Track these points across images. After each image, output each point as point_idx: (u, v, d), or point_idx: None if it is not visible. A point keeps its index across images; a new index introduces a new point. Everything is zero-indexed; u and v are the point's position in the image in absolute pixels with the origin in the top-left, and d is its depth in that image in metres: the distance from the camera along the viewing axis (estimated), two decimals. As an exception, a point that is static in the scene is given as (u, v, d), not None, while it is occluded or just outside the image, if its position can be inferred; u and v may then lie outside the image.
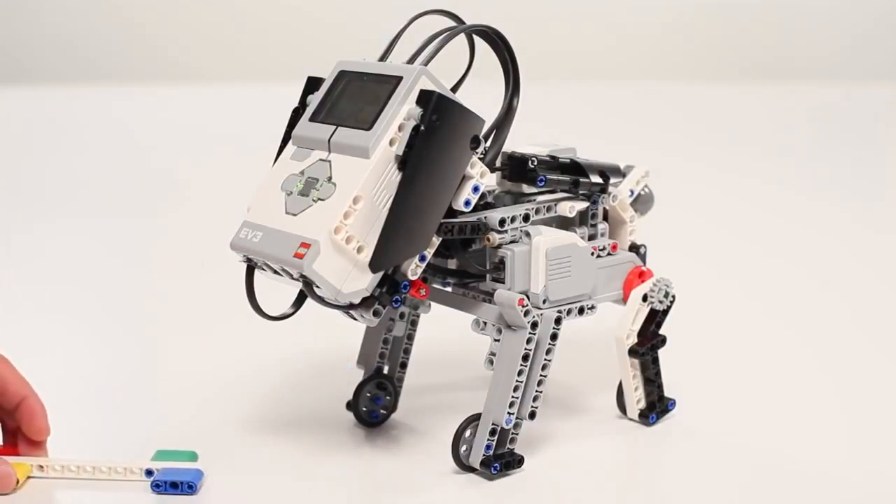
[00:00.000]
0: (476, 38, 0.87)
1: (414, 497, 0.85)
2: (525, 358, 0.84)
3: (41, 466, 0.86)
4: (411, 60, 0.83)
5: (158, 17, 3.96)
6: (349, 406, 0.97)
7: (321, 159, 0.83)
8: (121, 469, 0.86)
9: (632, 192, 0.95)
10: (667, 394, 0.97)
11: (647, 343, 0.94)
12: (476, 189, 0.82)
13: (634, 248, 0.95)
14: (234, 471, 0.88)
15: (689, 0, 3.83)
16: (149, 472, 0.85)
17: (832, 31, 3.77)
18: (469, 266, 0.87)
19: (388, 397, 0.98)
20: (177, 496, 0.83)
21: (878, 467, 0.89)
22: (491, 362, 0.86)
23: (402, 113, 0.80)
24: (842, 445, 0.93)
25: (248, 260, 0.84)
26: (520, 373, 0.84)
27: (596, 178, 0.91)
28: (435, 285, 0.91)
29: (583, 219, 0.92)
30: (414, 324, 0.99)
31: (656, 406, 0.96)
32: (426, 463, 0.89)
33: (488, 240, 0.86)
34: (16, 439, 0.88)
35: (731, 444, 0.92)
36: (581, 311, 0.88)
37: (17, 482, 0.84)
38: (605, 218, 0.93)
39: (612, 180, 0.92)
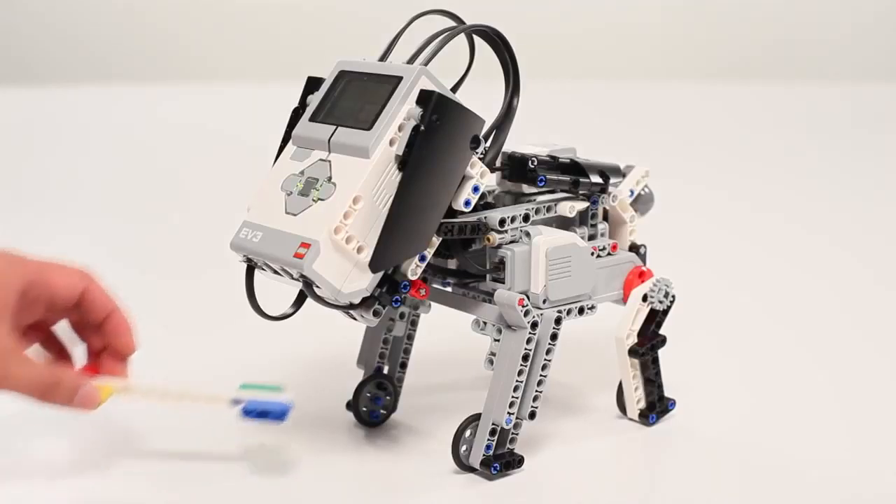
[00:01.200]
0: (476, 38, 0.87)
1: (414, 497, 0.85)
2: (525, 358, 0.84)
3: (125, 389, 0.84)
4: (411, 60, 0.83)
5: (159, 16, 3.96)
6: (349, 406, 0.97)
7: (321, 159, 0.83)
8: (206, 396, 0.84)
9: (632, 192, 0.95)
10: (667, 394, 0.97)
11: (647, 343, 0.94)
12: (476, 189, 0.82)
13: (634, 248, 0.95)
14: (234, 471, 0.88)
15: (689, 0, 3.83)
16: (236, 402, 0.84)
17: (832, 31, 3.77)
18: (469, 266, 0.87)
19: (388, 397, 0.98)
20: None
21: (879, 467, 0.89)
22: (491, 362, 0.86)
23: (402, 113, 0.80)
24: (842, 445, 0.93)
25: (248, 260, 0.84)
26: (520, 373, 0.84)
27: (596, 178, 0.91)
28: (435, 285, 0.91)
29: (583, 219, 0.92)
30: (414, 324, 0.99)
31: (656, 406, 0.96)
32: (426, 463, 0.89)
33: (488, 240, 0.86)
34: (99, 362, 0.86)
35: (730, 444, 0.92)
36: (581, 311, 0.88)
37: (101, 402, 0.83)
38: (605, 218, 0.93)
39: (612, 180, 0.92)
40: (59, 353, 0.87)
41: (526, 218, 0.87)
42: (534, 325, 0.84)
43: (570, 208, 0.90)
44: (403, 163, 0.79)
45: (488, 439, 0.85)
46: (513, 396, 0.84)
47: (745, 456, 0.90)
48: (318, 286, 0.79)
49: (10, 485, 0.86)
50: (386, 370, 0.99)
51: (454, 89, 0.85)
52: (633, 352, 0.94)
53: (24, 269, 0.82)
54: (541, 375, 0.85)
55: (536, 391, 0.85)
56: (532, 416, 0.86)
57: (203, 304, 1.37)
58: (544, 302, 0.86)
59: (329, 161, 0.82)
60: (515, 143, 0.90)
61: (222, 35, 3.93)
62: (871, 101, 3.24)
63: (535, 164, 0.88)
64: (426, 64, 0.82)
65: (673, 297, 0.94)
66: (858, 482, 0.86)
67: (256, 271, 0.85)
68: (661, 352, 0.95)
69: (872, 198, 2.03)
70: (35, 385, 0.79)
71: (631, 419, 0.96)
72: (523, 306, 0.83)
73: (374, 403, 0.97)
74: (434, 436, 0.94)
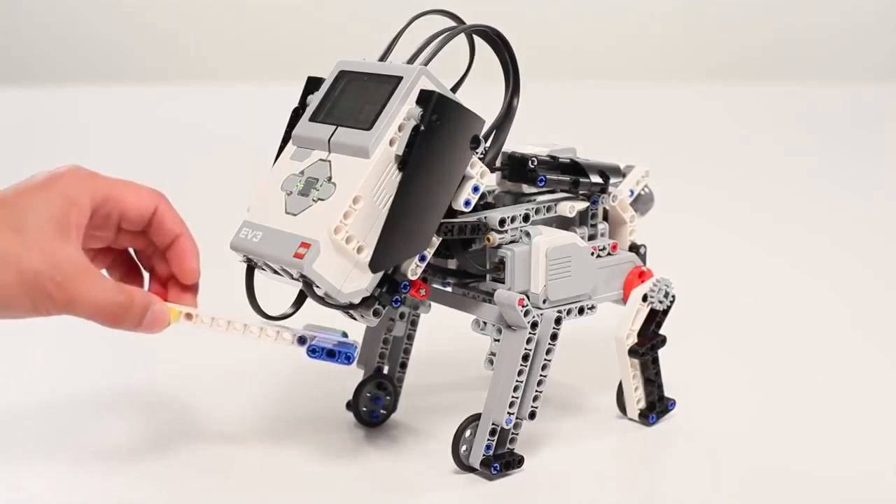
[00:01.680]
0: (476, 38, 0.87)
1: (414, 497, 0.85)
2: (525, 358, 0.84)
3: (189, 315, 0.83)
4: (411, 60, 0.83)
5: (159, 16, 3.97)
6: (349, 406, 0.97)
7: (321, 159, 0.83)
8: (272, 332, 0.83)
9: (632, 192, 0.95)
10: (667, 394, 0.97)
11: (647, 343, 0.94)
12: (476, 189, 0.82)
13: (634, 248, 0.95)
14: (234, 471, 0.88)
15: (689, 0, 3.83)
16: (301, 340, 0.83)
17: (832, 31, 3.77)
18: (469, 266, 0.87)
19: (388, 397, 0.98)
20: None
21: (879, 467, 0.89)
22: (491, 362, 0.86)
23: (402, 113, 0.80)
24: (842, 445, 0.93)
25: (248, 260, 0.84)
26: (520, 373, 0.84)
27: (596, 178, 0.91)
28: (435, 285, 0.91)
29: (583, 219, 0.92)
30: (414, 324, 0.99)
31: (656, 406, 0.96)
32: (426, 463, 0.89)
33: (488, 240, 0.86)
34: (166, 291, 0.85)
35: (731, 444, 0.92)
36: (581, 311, 0.88)
37: (170, 323, 0.82)
38: (605, 218, 0.93)
39: (612, 180, 0.92)
40: (127, 277, 0.86)
41: (526, 218, 0.87)
42: (534, 325, 0.84)
43: (570, 208, 0.90)
44: (403, 163, 0.79)
45: (488, 439, 0.85)
46: (513, 396, 0.84)
47: (745, 456, 0.90)
48: (317, 286, 0.79)
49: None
50: (386, 370, 0.99)
51: (454, 89, 0.85)
52: (633, 352, 0.94)
53: (96, 185, 0.80)
54: (541, 375, 0.85)
55: (536, 391, 0.85)
56: (532, 416, 0.86)
57: (203, 304, 1.37)
58: (544, 302, 0.86)
59: (329, 161, 0.82)
60: (515, 143, 0.90)
61: (222, 35, 3.93)
62: (871, 101, 3.24)
63: (535, 164, 0.88)
64: (426, 64, 0.82)
65: (673, 297, 0.94)
66: (858, 482, 0.86)
67: (256, 271, 0.85)
68: (661, 352, 0.95)
69: (872, 198, 2.03)
70: (106, 306, 0.76)
71: (631, 419, 0.96)
72: (523, 306, 0.83)
73: (374, 403, 0.97)
74: (434, 436, 0.94)
